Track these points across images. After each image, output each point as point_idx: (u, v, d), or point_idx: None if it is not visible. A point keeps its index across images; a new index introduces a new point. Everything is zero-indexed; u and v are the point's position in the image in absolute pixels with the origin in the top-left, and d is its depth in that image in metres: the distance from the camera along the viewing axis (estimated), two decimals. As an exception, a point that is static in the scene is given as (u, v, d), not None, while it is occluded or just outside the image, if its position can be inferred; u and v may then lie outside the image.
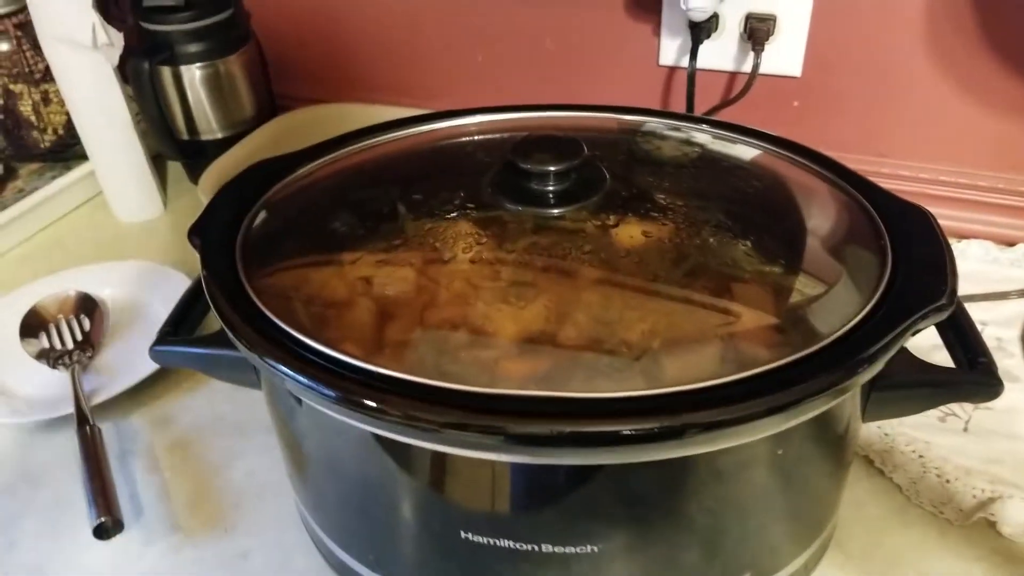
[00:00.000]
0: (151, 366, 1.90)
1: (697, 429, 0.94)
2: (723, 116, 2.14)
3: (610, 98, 1.82)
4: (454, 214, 1.72)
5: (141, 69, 1.98)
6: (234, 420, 1.88)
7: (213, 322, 1.43)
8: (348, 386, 1.04)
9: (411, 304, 1.57)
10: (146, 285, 2.07)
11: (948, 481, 1.63)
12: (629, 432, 0.94)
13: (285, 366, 1.12)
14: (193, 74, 2.05)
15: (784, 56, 2.03)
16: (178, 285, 2.26)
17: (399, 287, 1.61)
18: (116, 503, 1.52)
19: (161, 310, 2.15)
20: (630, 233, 1.71)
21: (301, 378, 1.10)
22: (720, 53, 2.09)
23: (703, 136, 1.59)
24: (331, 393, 1.04)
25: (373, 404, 1.01)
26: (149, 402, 1.87)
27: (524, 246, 1.69)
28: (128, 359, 1.96)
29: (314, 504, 1.21)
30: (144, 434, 1.81)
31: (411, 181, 1.80)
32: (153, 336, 1.43)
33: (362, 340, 1.46)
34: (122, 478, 1.68)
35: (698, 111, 2.09)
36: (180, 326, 1.45)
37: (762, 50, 1.98)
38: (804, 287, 1.40)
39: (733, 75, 2.11)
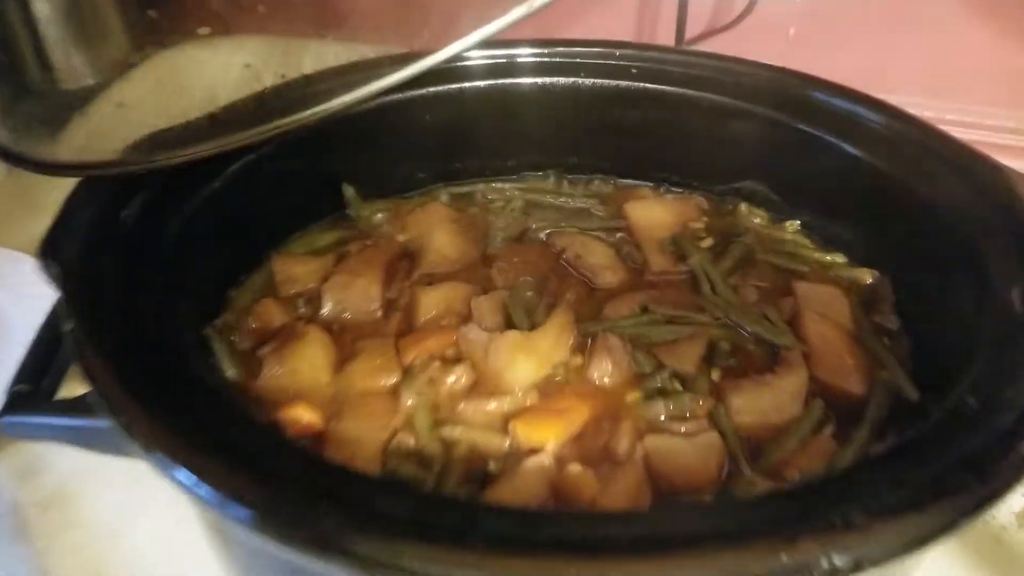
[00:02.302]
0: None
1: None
2: (711, 46, 1.80)
3: (587, 28, 1.41)
4: (427, 187, 1.38)
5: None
6: (129, 464, 1.41)
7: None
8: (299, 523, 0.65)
9: (379, 331, 1.18)
10: (-17, 272, 1.51)
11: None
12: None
13: (192, 476, 0.71)
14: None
15: (781, -25, 1.69)
16: (28, 274, 1.71)
17: (361, 306, 1.19)
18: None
19: (8, 307, 1.64)
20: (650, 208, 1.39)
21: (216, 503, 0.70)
22: (709, -29, 1.72)
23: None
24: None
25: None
26: (7, 444, 1.41)
27: (515, 233, 1.33)
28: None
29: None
30: (5, 489, 1.35)
31: (364, 148, 1.33)
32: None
33: (318, 396, 1.07)
34: (-21, 555, 1.23)
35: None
36: (39, 379, 1.01)
37: (762, -32, 1.62)
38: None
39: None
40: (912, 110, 1.75)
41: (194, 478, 0.69)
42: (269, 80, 1.23)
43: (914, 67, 1.82)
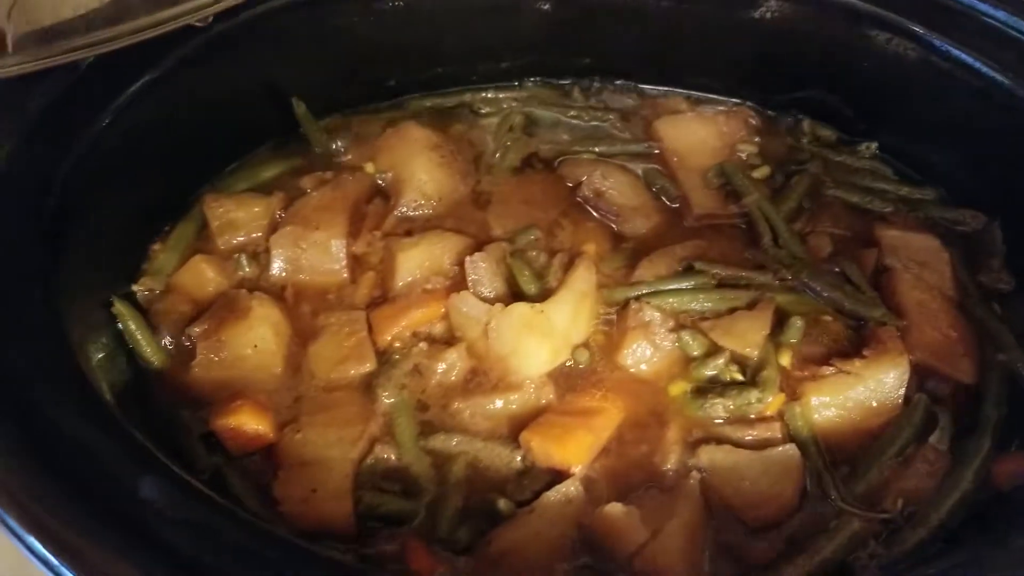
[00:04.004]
0: None
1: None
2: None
3: None
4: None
5: None
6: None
7: None
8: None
9: (344, 300, 0.91)
10: None
11: None
12: None
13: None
14: None
15: None
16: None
17: (320, 266, 0.91)
18: None
19: None
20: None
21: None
22: None
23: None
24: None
25: None
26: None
27: (516, 160, 1.04)
28: None
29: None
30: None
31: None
32: None
33: (268, 391, 0.82)
34: None
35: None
36: None
37: None
38: None
39: None
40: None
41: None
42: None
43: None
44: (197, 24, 0.88)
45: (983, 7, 0.90)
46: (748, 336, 0.84)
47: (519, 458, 0.78)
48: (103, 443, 0.64)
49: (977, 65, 0.91)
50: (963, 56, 0.92)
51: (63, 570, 0.55)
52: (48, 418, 0.64)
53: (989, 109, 0.91)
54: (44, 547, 0.56)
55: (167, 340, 0.87)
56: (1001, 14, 0.90)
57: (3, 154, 0.80)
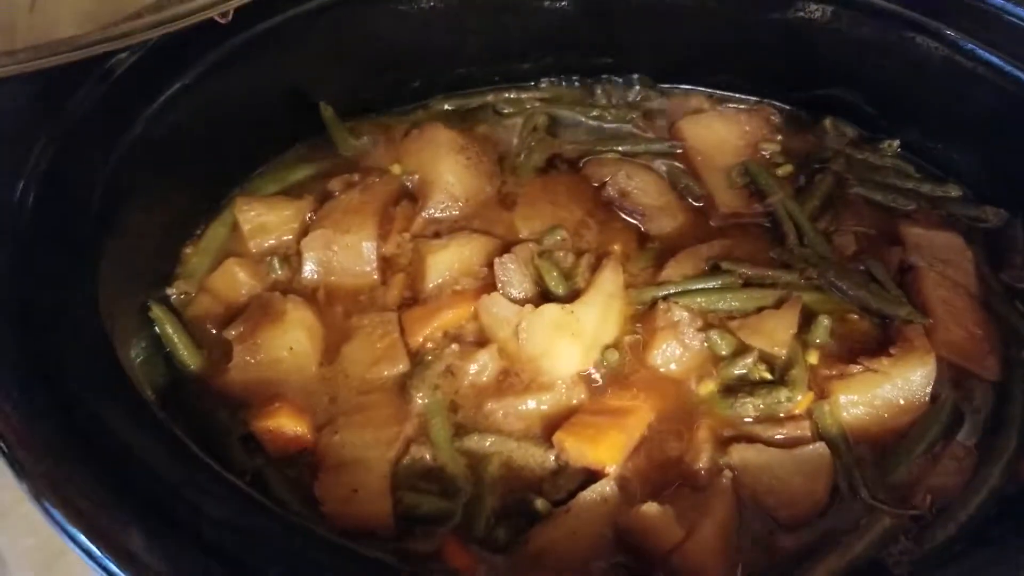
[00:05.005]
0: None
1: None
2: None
3: None
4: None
5: None
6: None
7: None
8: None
9: (376, 301, 0.92)
10: None
11: None
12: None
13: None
14: None
15: None
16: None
17: (351, 268, 0.91)
18: None
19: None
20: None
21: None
22: None
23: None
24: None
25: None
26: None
27: (540, 161, 1.04)
28: None
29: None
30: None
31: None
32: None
33: (304, 392, 0.83)
34: None
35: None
36: None
37: None
38: None
39: None
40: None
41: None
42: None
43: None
44: (219, 20, 0.88)
45: (1008, 6, 0.91)
46: (776, 335, 0.85)
47: (553, 458, 0.79)
48: (148, 442, 0.66)
49: (1001, 63, 0.92)
50: (987, 54, 0.92)
51: (106, 562, 0.57)
52: (94, 417, 0.66)
53: (1012, 107, 0.92)
54: (88, 539, 0.58)
55: (203, 343, 0.89)
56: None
57: (44, 163, 0.81)
